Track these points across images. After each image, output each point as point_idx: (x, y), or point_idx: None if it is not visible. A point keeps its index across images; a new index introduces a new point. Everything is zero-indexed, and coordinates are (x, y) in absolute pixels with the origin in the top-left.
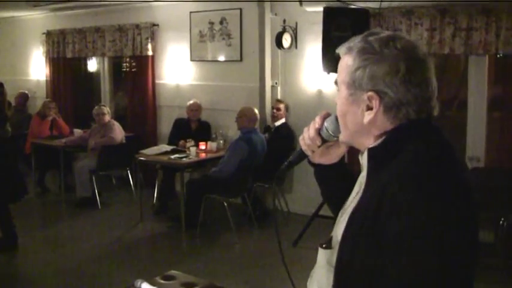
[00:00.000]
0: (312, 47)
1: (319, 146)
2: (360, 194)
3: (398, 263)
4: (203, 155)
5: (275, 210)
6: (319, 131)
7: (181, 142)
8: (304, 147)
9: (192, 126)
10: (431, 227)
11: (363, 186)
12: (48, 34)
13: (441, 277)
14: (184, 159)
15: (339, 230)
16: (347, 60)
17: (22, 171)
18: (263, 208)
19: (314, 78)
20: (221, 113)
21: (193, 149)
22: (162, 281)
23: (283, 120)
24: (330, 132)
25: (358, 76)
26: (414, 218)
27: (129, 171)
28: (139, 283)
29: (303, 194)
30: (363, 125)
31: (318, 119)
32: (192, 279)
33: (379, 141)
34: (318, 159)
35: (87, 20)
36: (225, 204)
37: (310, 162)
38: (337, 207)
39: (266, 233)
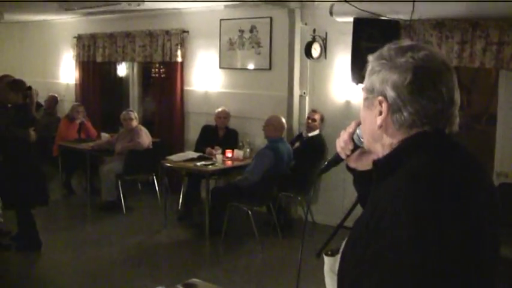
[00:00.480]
0: (341, 58)
1: (352, 151)
2: None
3: (371, 279)
4: (229, 163)
5: (306, 215)
6: (351, 136)
7: (208, 149)
8: (338, 150)
9: (220, 133)
10: (409, 250)
11: None
12: (79, 38)
13: None
14: (210, 166)
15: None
16: (368, 66)
17: (47, 176)
18: (287, 218)
19: (342, 89)
20: (249, 121)
21: (219, 157)
22: None
23: (317, 132)
24: (360, 138)
25: (372, 80)
26: (393, 237)
27: (155, 177)
28: None
29: (328, 205)
30: (376, 131)
31: (353, 124)
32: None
33: (386, 153)
34: (353, 163)
35: (118, 25)
36: (250, 212)
37: (347, 167)
38: None
39: (290, 243)
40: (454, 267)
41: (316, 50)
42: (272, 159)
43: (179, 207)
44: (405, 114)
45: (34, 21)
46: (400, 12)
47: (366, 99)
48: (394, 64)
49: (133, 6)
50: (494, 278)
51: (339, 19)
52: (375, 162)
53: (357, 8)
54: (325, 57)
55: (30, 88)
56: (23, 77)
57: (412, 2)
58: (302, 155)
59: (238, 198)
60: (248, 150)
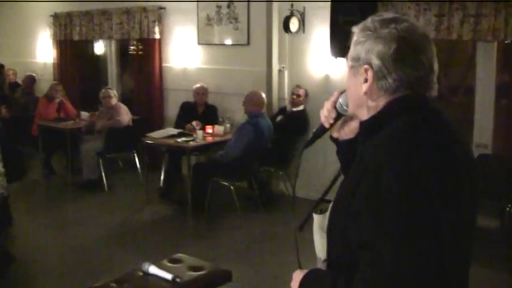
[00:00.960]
0: (320, 32)
1: (335, 119)
2: None
3: (363, 221)
4: (210, 139)
5: (294, 188)
6: (334, 104)
7: (188, 125)
8: (322, 119)
9: (199, 109)
10: (398, 191)
11: None
12: (56, 17)
13: (402, 242)
14: (190, 142)
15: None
16: (353, 36)
17: (26, 153)
18: (269, 192)
19: (321, 63)
20: (228, 96)
21: (199, 133)
22: (169, 264)
23: (302, 107)
24: (343, 106)
25: (358, 50)
26: (382, 182)
27: (135, 154)
28: (146, 266)
29: (309, 179)
30: (361, 96)
31: (335, 93)
32: (198, 262)
33: (370, 115)
34: (336, 133)
35: (94, 3)
36: (231, 188)
37: (330, 137)
38: None
39: (271, 217)
40: (434, 206)
41: (294, 24)
42: (252, 134)
43: (161, 184)
44: (390, 80)
45: (9, 1)
46: None
47: (351, 67)
48: (379, 35)
49: None
50: (471, 244)
51: None
52: (361, 123)
53: None
54: (304, 32)
55: (2, 66)
56: (0, 57)
57: None
58: (284, 129)
59: (220, 173)
60: (228, 125)
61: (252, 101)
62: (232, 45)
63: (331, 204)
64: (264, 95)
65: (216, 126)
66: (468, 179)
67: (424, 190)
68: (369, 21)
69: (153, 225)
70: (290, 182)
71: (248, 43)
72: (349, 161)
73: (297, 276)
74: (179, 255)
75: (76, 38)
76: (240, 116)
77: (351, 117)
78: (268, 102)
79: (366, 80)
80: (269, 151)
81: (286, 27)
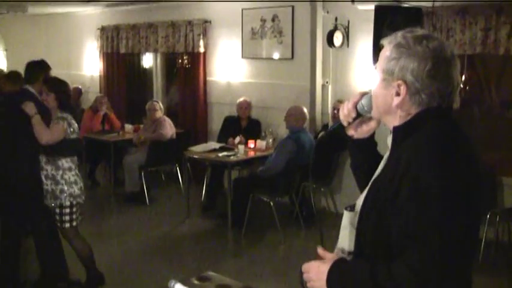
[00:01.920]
0: (364, 46)
1: (354, 119)
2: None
3: (408, 215)
4: (252, 153)
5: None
6: (355, 105)
7: (230, 140)
8: (341, 117)
9: (242, 124)
10: (439, 189)
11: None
12: (103, 29)
13: (444, 231)
14: (232, 157)
15: (363, 197)
16: (386, 51)
17: None
18: (310, 208)
19: (365, 77)
20: (271, 111)
21: (241, 147)
22: (196, 282)
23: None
24: (365, 108)
25: (391, 65)
26: (424, 181)
27: (178, 168)
28: (172, 283)
29: (352, 195)
30: (392, 107)
31: (357, 94)
32: (227, 281)
33: (403, 121)
34: (352, 131)
35: (141, 16)
36: (272, 203)
37: (345, 135)
38: (361, 178)
39: (312, 234)
40: (469, 199)
41: (338, 38)
42: (294, 150)
43: (202, 198)
44: (422, 95)
45: (58, 13)
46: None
47: (383, 79)
48: (413, 52)
49: None
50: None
51: (361, 7)
52: (396, 128)
53: None
54: (348, 46)
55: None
56: None
57: None
58: (326, 145)
59: (260, 188)
60: (271, 140)
61: (293, 116)
62: (276, 59)
63: (359, 201)
64: (305, 110)
65: (258, 141)
66: (481, 179)
67: (459, 187)
68: (401, 37)
69: (192, 240)
70: (332, 197)
71: (292, 57)
72: (358, 157)
73: (318, 267)
74: (210, 273)
75: (122, 50)
76: (283, 130)
77: (369, 118)
78: (312, 117)
79: (397, 94)
80: (311, 166)
81: (330, 41)
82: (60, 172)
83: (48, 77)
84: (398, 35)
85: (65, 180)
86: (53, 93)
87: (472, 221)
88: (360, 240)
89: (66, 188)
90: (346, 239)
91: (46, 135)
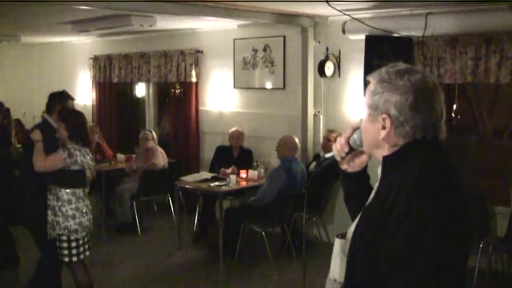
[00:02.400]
0: (355, 76)
1: (346, 153)
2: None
3: (398, 243)
4: (244, 183)
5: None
6: (348, 140)
7: (222, 170)
8: (334, 152)
9: (234, 153)
10: (426, 217)
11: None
12: (95, 59)
13: (434, 258)
14: (223, 187)
15: (354, 225)
16: (371, 86)
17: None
18: (302, 238)
19: (357, 107)
20: (263, 140)
21: (233, 177)
22: None
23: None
24: (357, 142)
25: (376, 100)
26: (412, 209)
27: (170, 197)
28: None
29: (344, 225)
30: (379, 140)
31: (349, 130)
32: None
33: (391, 151)
34: (345, 166)
35: (133, 46)
36: (263, 233)
37: (339, 168)
38: (354, 209)
39: (305, 264)
40: (457, 228)
41: (329, 68)
42: (285, 180)
43: (194, 228)
44: (407, 127)
45: (51, 43)
46: (412, 29)
47: (369, 114)
48: (395, 86)
49: (146, 27)
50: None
51: (352, 37)
52: (384, 158)
53: (369, 26)
54: (339, 76)
55: (8, 110)
56: (41, 98)
57: (424, 18)
58: (318, 176)
59: (252, 218)
60: (263, 170)
61: (285, 146)
62: (268, 89)
63: (350, 229)
64: (297, 140)
65: (250, 171)
66: (469, 207)
67: (447, 215)
68: (384, 73)
69: (184, 270)
70: (324, 227)
71: (284, 87)
72: (350, 189)
73: None
74: None
75: (115, 80)
76: (274, 160)
77: (361, 152)
78: (303, 147)
79: (383, 127)
80: (303, 196)
81: (321, 71)
82: (59, 203)
83: (62, 107)
84: (382, 71)
85: (62, 212)
86: (63, 123)
87: (461, 250)
88: (350, 268)
89: (61, 220)
90: (337, 268)
91: (39, 161)
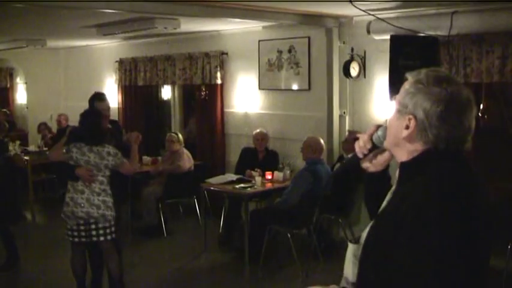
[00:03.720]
0: (381, 76)
1: (369, 150)
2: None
3: (404, 253)
4: (269, 185)
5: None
6: (371, 137)
7: (248, 171)
8: (357, 149)
9: (260, 155)
10: (432, 228)
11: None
12: (121, 62)
13: (442, 270)
14: (248, 189)
15: (367, 230)
16: (406, 84)
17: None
18: (328, 240)
19: (382, 108)
20: (289, 142)
21: (258, 179)
22: None
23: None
24: (380, 138)
25: (407, 99)
26: (419, 221)
27: (196, 200)
28: None
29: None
30: (400, 139)
31: (373, 127)
32: None
33: (411, 157)
34: (367, 164)
35: (158, 49)
36: (289, 235)
37: (360, 167)
38: (374, 211)
39: (331, 267)
40: (471, 243)
41: (354, 69)
42: (310, 181)
43: (220, 231)
44: (429, 135)
45: (77, 47)
46: (438, 28)
47: (398, 111)
48: (429, 91)
49: (170, 29)
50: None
51: (377, 37)
52: (402, 164)
53: (394, 26)
54: (364, 76)
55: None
56: (67, 101)
57: (450, 17)
58: (342, 177)
59: (278, 221)
60: (288, 171)
61: (310, 147)
62: (293, 90)
63: (363, 234)
64: (322, 141)
65: (276, 173)
66: (485, 223)
67: (459, 227)
68: (423, 75)
69: (208, 274)
70: (350, 229)
71: (309, 88)
72: (371, 188)
73: None
74: None
75: (140, 83)
76: (300, 162)
77: (383, 151)
78: (329, 148)
79: (407, 127)
80: (328, 198)
81: (346, 72)
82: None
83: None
84: (422, 72)
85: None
86: (80, 123)
87: (471, 265)
88: (362, 272)
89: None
90: (349, 270)
91: (49, 152)
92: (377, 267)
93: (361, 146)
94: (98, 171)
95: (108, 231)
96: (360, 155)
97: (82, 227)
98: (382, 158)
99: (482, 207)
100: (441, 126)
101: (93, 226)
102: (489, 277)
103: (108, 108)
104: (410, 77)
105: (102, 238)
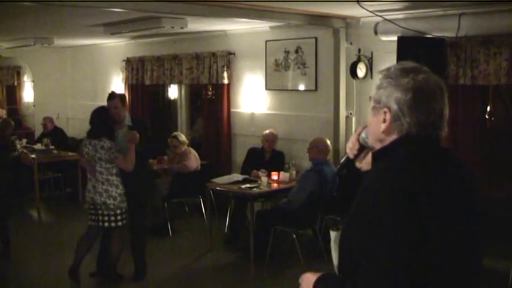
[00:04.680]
0: None
1: (358, 151)
2: None
3: (362, 235)
4: (275, 186)
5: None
6: (358, 138)
7: (254, 172)
8: (347, 151)
9: (266, 155)
10: (383, 209)
11: None
12: (128, 61)
13: (390, 253)
14: (254, 189)
15: None
16: (377, 81)
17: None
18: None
19: None
20: (295, 142)
21: (264, 179)
22: None
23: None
24: (365, 139)
25: (379, 94)
26: (374, 201)
27: (201, 199)
28: None
29: None
30: (380, 133)
31: (359, 128)
32: None
33: (382, 146)
34: (359, 163)
35: (165, 48)
36: (294, 236)
37: (355, 167)
38: None
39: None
40: (430, 226)
41: (361, 69)
42: (316, 182)
43: (226, 230)
44: (404, 122)
45: (84, 45)
46: (445, 30)
47: (373, 108)
48: (398, 83)
49: (177, 29)
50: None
51: (384, 38)
52: (373, 153)
53: (401, 27)
54: (371, 77)
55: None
56: (74, 100)
57: (457, 19)
58: (348, 176)
59: (283, 221)
60: (294, 172)
61: (316, 148)
62: (300, 90)
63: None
64: (328, 142)
65: (282, 173)
66: (463, 205)
67: (410, 210)
68: (391, 69)
69: (214, 273)
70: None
71: (316, 89)
72: None
73: (308, 278)
74: None
75: (147, 82)
76: (306, 162)
77: (371, 149)
78: (335, 149)
79: (384, 121)
80: (334, 199)
81: (353, 72)
82: None
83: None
84: (390, 68)
85: None
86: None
87: (428, 248)
88: (340, 257)
89: None
90: (333, 257)
91: None
92: (347, 251)
93: (350, 147)
94: (94, 162)
95: (112, 218)
96: (351, 156)
97: (93, 211)
98: (370, 157)
99: (451, 193)
100: (412, 114)
101: (99, 212)
102: (478, 272)
103: (116, 106)
104: (380, 74)
105: (106, 224)
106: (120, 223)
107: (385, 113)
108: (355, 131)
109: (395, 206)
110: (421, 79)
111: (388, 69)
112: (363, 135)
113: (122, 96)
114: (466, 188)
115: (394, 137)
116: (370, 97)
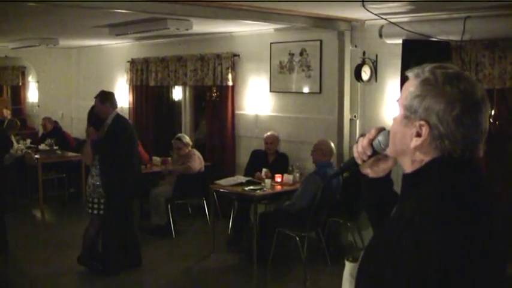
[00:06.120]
0: (392, 80)
1: (369, 156)
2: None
3: (401, 275)
4: (278, 188)
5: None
6: (371, 142)
7: (257, 174)
8: (355, 155)
9: (270, 157)
10: (432, 249)
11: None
12: (132, 62)
13: None
14: (258, 191)
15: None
16: (410, 85)
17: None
18: (337, 244)
19: (394, 112)
20: (299, 145)
21: (268, 181)
22: None
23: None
24: (381, 145)
25: (415, 103)
26: (419, 239)
27: (205, 201)
28: None
29: None
30: (409, 147)
31: (373, 131)
32: None
33: (416, 168)
34: (366, 170)
35: (170, 49)
36: (297, 238)
37: (360, 172)
38: (374, 217)
39: (339, 270)
40: (479, 266)
41: (366, 72)
42: (319, 185)
43: (229, 232)
44: (446, 141)
45: (89, 46)
46: (450, 33)
47: (404, 117)
48: (441, 92)
49: (182, 30)
50: None
51: (389, 41)
52: (405, 176)
53: (406, 30)
54: (376, 80)
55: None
56: (78, 100)
57: (462, 22)
58: (352, 179)
59: (287, 223)
60: (298, 174)
61: (320, 150)
62: (304, 93)
63: (362, 252)
64: (332, 144)
65: (285, 175)
66: (496, 239)
67: (463, 252)
68: (429, 73)
69: (217, 275)
70: (359, 233)
71: (320, 91)
72: (371, 196)
73: None
74: None
75: (152, 83)
76: (310, 165)
77: (385, 157)
78: (339, 151)
79: (418, 135)
80: (338, 202)
81: (357, 75)
82: None
83: None
84: (426, 70)
85: None
86: None
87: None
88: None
89: None
90: None
91: None
92: (371, 285)
93: (359, 151)
94: None
95: (89, 205)
96: (359, 161)
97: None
98: (385, 166)
99: (495, 222)
100: (457, 130)
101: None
102: None
103: (95, 105)
104: (413, 76)
105: (88, 209)
106: (96, 211)
107: (421, 126)
108: (361, 135)
109: (449, 246)
110: (467, 88)
111: (423, 71)
112: (380, 138)
113: (102, 95)
114: (499, 214)
115: (432, 156)
116: (397, 101)
